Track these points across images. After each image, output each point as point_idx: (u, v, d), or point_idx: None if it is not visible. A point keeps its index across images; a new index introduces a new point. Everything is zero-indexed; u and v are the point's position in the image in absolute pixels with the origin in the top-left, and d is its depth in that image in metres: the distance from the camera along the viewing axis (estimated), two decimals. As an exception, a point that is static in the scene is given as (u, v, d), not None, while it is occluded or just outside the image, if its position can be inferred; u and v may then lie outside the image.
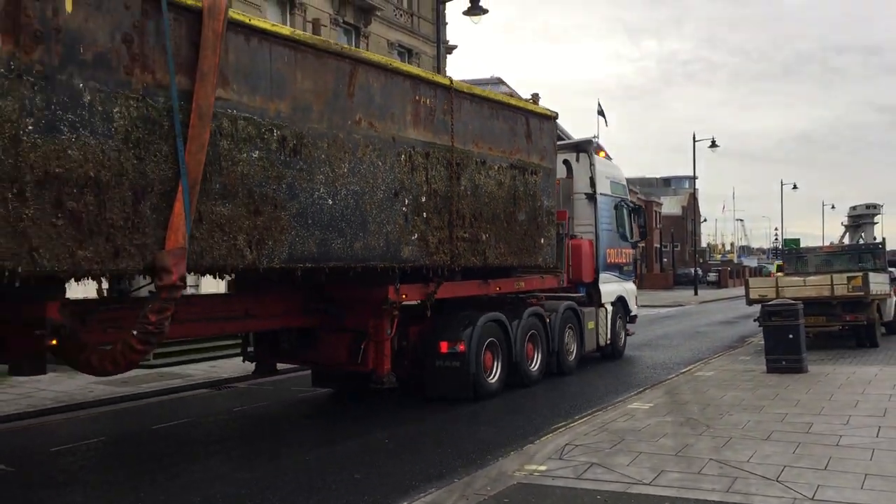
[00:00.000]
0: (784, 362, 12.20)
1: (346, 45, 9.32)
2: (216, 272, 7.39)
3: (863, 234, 27.55)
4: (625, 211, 16.88)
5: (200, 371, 14.20)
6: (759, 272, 71.35)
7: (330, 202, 8.32)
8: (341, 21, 26.18)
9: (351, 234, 8.58)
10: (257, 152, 7.52)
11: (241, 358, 11.34)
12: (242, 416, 10.84)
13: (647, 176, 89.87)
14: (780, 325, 12.21)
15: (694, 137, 51.46)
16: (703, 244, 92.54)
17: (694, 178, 69.91)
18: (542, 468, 6.82)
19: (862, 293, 14.74)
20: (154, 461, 8.11)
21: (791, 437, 7.81)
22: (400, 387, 10.69)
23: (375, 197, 8.93)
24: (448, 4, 31.22)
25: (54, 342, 6.60)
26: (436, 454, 8.15)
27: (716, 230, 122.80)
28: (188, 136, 6.73)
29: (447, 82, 10.25)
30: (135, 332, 6.72)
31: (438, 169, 9.94)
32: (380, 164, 9.01)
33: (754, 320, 15.36)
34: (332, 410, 11.29)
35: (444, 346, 11.03)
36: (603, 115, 44.37)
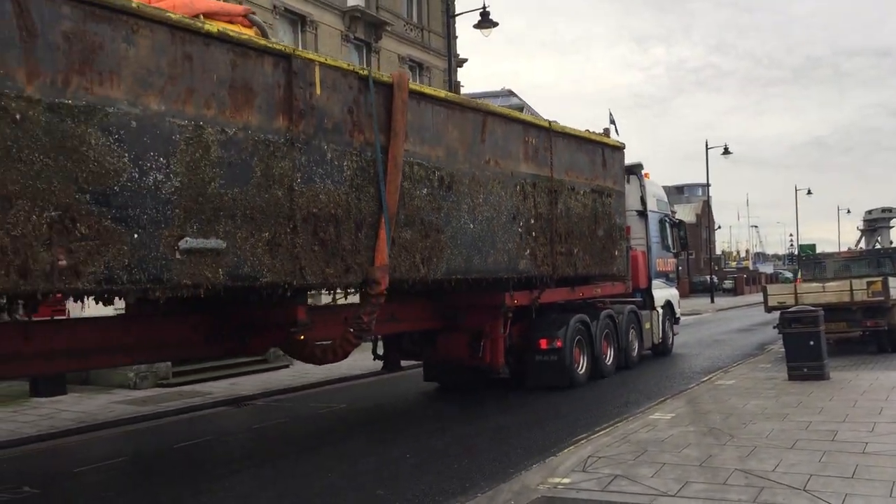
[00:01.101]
0: (806, 369, 12.13)
1: (479, 101, 11.41)
2: (403, 283, 9.49)
3: (879, 239, 27.36)
4: (667, 225, 19.11)
5: (220, 388, 14.17)
6: (775, 279, 73.04)
7: (471, 226, 10.47)
8: (352, 37, 26.90)
9: (485, 252, 10.72)
10: (425, 189, 9.68)
11: (372, 357, 13.48)
12: (263, 433, 10.95)
13: (660, 184, 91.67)
14: (800, 331, 12.16)
15: (707, 145, 52.34)
16: (718, 251, 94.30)
17: (707, 185, 71.61)
18: (566, 481, 6.81)
19: (882, 298, 14.57)
20: (177, 480, 8.22)
21: (816, 445, 7.77)
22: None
23: (500, 221, 11.08)
24: (458, 18, 31.70)
25: (302, 337, 8.76)
26: (497, 450, 8.83)
27: (730, 237, 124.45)
28: (387, 180, 8.89)
29: (546, 125, 12.41)
30: (351, 329, 8.88)
31: (542, 196, 12.09)
32: (503, 194, 11.17)
33: (774, 327, 15.22)
34: (351, 424, 11.44)
35: (543, 343, 13.18)
36: (614, 125, 45.91)
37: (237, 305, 8.75)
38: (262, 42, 7.71)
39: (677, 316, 19.36)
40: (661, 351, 18.01)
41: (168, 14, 6.77)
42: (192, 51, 6.92)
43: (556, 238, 12.35)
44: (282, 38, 23.29)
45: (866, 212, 28.88)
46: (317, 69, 8.13)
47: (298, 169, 7.88)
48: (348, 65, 8.79)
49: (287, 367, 16.84)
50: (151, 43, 6.57)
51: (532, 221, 11.82)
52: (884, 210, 28.35)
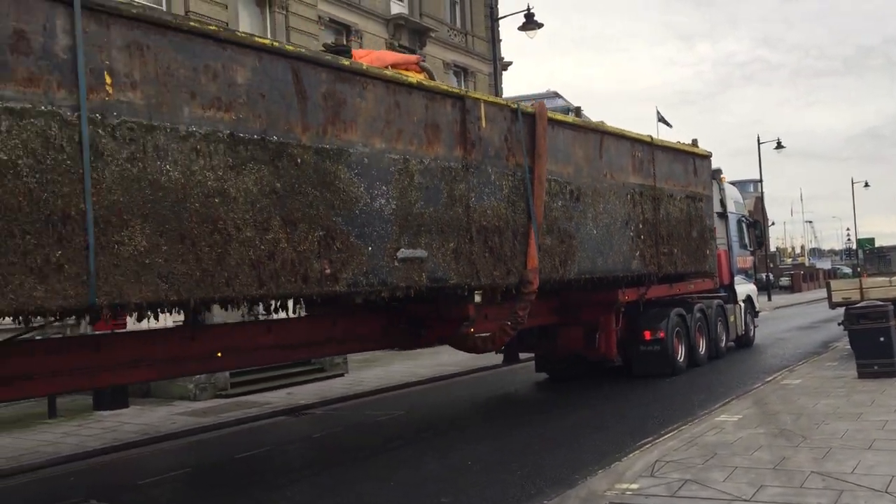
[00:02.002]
0: (876, 367, 11.75)
1: (596, 123, 13.00)
2: (546, 284, 11.09)
3: None
4: (744, 225, 20.44)
5: (277, 398, 14.18)
6: (833, 275, 72.75)
7: (595, 232, 12.05)
8: (396, 45, 26.78)
9: (606, 254, 12.28)
10: (560, 202, 11.29)
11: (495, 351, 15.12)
12: (322, 442, 10.91)
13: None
14: (869, 328, 11.83)
15: (758, 139, 51.82)
16: (773, 248, 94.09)
17: (760, 181, 71.72)
18: (634, 486, 6.64)
19: None
20: (239, 492, 8.20)
21: (895, 445, 7.56)
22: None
23: (616, 227, 12.63)
24: (500, 21, 31.55)
25: (472, 330, 10.44)
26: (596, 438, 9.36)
27: (784, 233, 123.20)
28: (534, 196, 10.52)
29: (649, 139, 13.94)
30: (508, 323, 10.53)
31: (647, 203, 13.61)
32: (617, 203, 12.72)
33: (839, 324, 14.82)
34: (413, 431, 11.27)
35: (647, 335, 14.67)
36: (665, 121, 45.24)
37: (412, 304, 10.44)
38: (445, 87, 9.43)
39: (757, 310, 20.70)
40: (744, 342, 19.34)
41: (384, 72, 8.52)
42: (400, 99, 8.65)
43: (659, 240, 13.86)
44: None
45: None
46: (482, 106, 9.82)
47: (472, 189, 9.55)
48: (504, 100, 10.46)
49: (342, 375, 16.76)
50: (375, 95, 8.31)
51: (640, 226, 13.34)
52: None
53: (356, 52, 9.66)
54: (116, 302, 5.88)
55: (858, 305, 12.60)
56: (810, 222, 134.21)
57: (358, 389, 15.01)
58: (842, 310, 13.68)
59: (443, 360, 18.59)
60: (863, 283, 14.94)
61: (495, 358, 16.71)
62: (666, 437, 8.89)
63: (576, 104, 15.59)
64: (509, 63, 33.44)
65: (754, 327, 20.33)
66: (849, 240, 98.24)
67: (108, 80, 5.91)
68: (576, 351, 14.32)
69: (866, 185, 73.57)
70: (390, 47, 26.47)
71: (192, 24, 6.72)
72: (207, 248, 6.53)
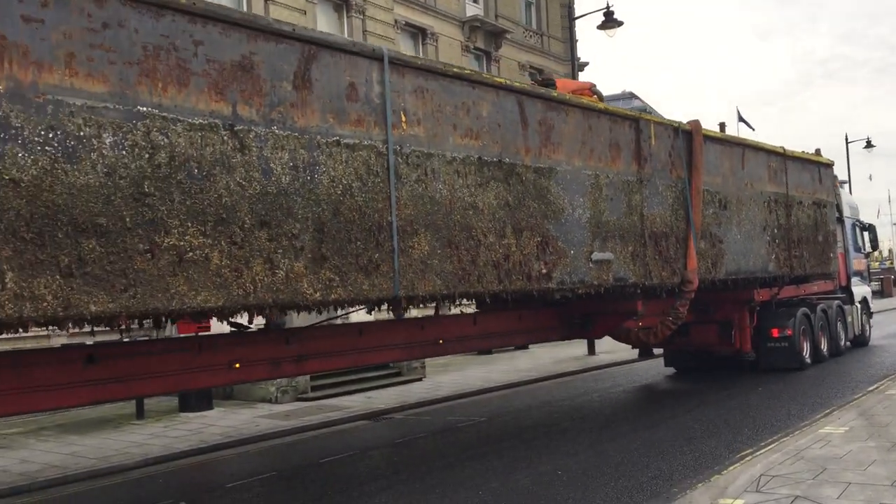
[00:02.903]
0: None
1: (739, 137, 14.16)
2: (701, 283, 12.29)
3: None
4: (858, 229, 21.16)
5: (357, 402, 14.15)
6: (925, 277, 70.87)
7: (738, 237, 13.20)
8: (472, 47, 27.21)
9: (747, 257, 13.42)
10: (711, 209, 12.49)
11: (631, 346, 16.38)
12: (406, 447, 10.82)
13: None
14: None
15: (846, 138, 50.97)
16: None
17: (848, 182, 70.62)
18: (740, 502, 6.37)
19: None
20: (325, 497, 8.19)
21: None
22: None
23: (755, 232, 13.75)
24: (577, 21, 30.88)
25: (640, 323, 11.75)
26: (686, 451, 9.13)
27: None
28: (693, 204, 11.76)
29: (781, 150, 14.99)
30: (669, 318, 11.80)
31: (781, 210, 14.67)
32: (756, 210, 13.84)
33: None
34: (496, 438, 10.96)
35: (775, 332, 15.71)
36: (746, 122, 44.50)
37: (583, 301, 11.80)
38: (623, 110, 10.77)
39: (871, 311, 21.40)
40: (861, 342, 20.10)
41: (581, 100, 9.94)
42: (592, 123, 10.04)
43: (791, 244, 14.90)
44: (403, 51, 24.71)
45: None
46: (652, 126, 11.13)
47: (645, 200, 10.87)
48: (668, 120, 11.74)
49: (420, 380, 16.76)
50: (574, 120, 9.72)
51: (775, 231, 14.42)
52: None
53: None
54: (410, 294, 7.41)
55: None
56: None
57: (437, 395, 14.81)
58: None
59: (520, 365, 19.13)
60: None
61: (576, 363, 17.91)
62: (765, 449, 8.61)
63: (654, 104, 16.35)
64: (585, 63, 33.09)
65: (870, 328, 21.05)
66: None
67: (403, 118, 7.46)
68: (708, 346, 15.47)
69: None
70: (465, 50, 27.13)
71: (454, 69, 8.24)
72: (465, 251, 8.03)
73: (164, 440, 11.46)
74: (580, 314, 12.15)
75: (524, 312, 11.38)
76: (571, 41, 27.16)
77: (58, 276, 5.05)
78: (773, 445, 8.77)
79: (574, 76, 29.79)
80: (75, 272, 5.12)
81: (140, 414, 13.33)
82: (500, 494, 7.72)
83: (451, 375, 17.84)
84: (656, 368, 17.73)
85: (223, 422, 12.72)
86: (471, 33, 27.48)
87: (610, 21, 21.67)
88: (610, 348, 20.00)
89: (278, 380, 13.87)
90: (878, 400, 11.24)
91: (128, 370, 6.87)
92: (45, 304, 4.98)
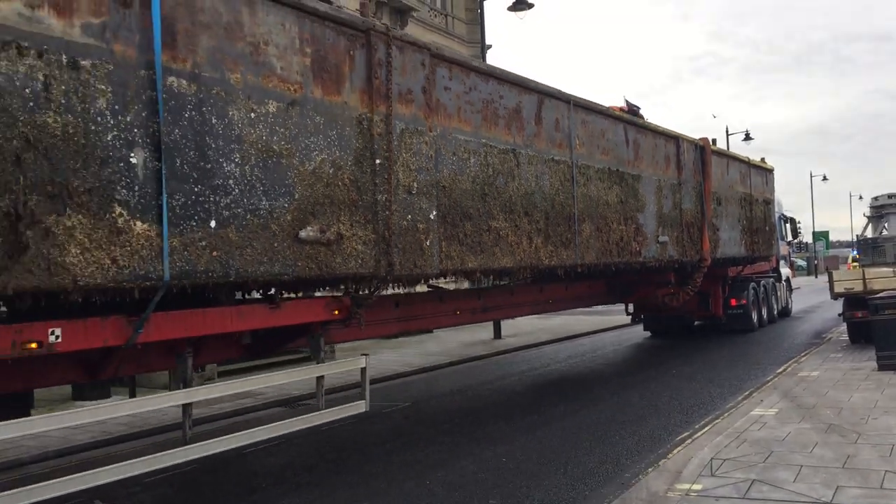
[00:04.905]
0: None
1: (731, 152, 18.25)
2: (723, 264, 16.21)
3: (886, 225, 26.63)
4: (783, 221, 26.06)
5: (270, 389, 12.49)
6: (792, 266, 78.80)
7: (727, 226, 17.30)
8: (378, 23, 27.74)
9: (731, 243, 17.53)
10: (713, 206, 16.51)
11: (626, 313, 20.27)
12: (334, 434, 9.84)
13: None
14: (891, 318, 11.79)
15: (727, 131, 56.05)
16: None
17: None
18: (698, 487, 6.39)
19: None
20: (259, 491, 7.44)
21: None
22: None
23: (735, 223, 17.90)
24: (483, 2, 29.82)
25: (671, 291, 15.59)
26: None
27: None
28: (706, 201, 15.70)
29: (747, 160, 19.26)
30: (689, 286, 15.75)
31: (747, 206, 18.91)
32: (735, 206, 18.00)
33: (839, 314, 16.10)
34: (429, 423, 10.51)
35: (734, 302, 20.06)
36: (639, 110, 48.23)
37: (624, 275, 15.50)
38: (671, 131, 14.55)
39: (792, 288, 26.44)
40: (785, 313, 25.00)
41: (655, 125, 13.65)
42: (657, 141, 13.77)
43: (752, 233, 19.24)
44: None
45: (873, 198, 28.54)
46: (685, 143, 14.98)
47: (682, 198, 14.72)
48: (691, 138, 15.63)
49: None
50: (649, 140, 13.40)
51: (744, 223, 18.70)
52: (890, 196, 27.11)
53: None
54: (582, 262, 10.87)
55: (882, 295, 12.52)
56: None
57: (355, 378, 11.77)
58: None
59: (430, 349, 19.08)
60: (865, 274, 15.02)
61: (485, 347, 21.78)
62: (703, 432, 8.69)
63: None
64: (489, 46, 31.64)
65: (792, 301, 26.06)
66: (800, 234, 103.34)
67: (578, 142, 10.90)
68: (690, 312, 19.61)
69: (825, 178, 75.89)
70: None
71: (603, 106, 11.75)
72: (605, 233, 11.55)
73: (64, 431, 9.84)
74: (623, 284, 15.90)
75: (591, 283, 15.02)
76: (481, 23, 26.25)
77: (457, 245, 8.25)
78: (707, 428, 8.89)
79: (483, 59, 29.77)
80: (463, 242, 8.33)
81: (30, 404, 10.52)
82: (449, 484, 7.37)
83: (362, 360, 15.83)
84: (566, 351, 18.71)
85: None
86: (377, 10, 25.75)
87: (520, 3, 20.91)
88: (514, 332, 21.44)
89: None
90: (795, 381, 11.60)
91: (413, 312, 10.04)
92: (452, 261, 8.18)
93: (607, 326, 23.39)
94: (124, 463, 5.79)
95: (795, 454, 7.22)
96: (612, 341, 20.38)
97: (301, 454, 8.99)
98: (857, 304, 14.54)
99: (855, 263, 26.43)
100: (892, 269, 15.02)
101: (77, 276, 4.71)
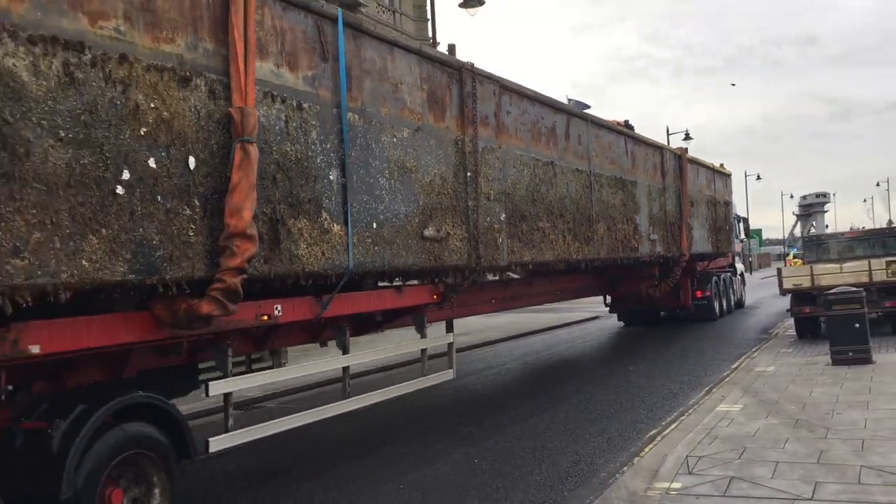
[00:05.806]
0: (851, 353, 11.81)
1: (707, 161, 20.38)
2: (693, 259, 18.28)
3: (814, 224, 28.90)
4: (736, 220, 28.53)
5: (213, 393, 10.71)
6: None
7: (698, 225, 19.44)
8: None
9: (702, 241, 19.69)
10: (688, 207, 18.60)
11: (604, 304, 22.26)
12: (298, 439, 9.09)
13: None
14: (844, 314, 11.82)
15: (668, 130, 58.65)
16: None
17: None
18: (677, 486, 6.35)
19: None
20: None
21: None
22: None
23: (703, 222, 20.07)
24: None
25: (654, 284, 17.58)
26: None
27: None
28: (683, 203, 17.75)
29: (712, 166, 21.49)
30: (669, 279, 17.79)
31: (712, 207, 21.12)
32: (704, 208, 20.17)
33: (787, 310, 16.59)
34: (394, 426, 10.16)
35: (699, 293, 22.26)
36: (588, 107, 49.45)
37: (613, 269, 17.42)
38: (657, 142, 16.56)
39: (745, 282, 28.95)
40: (740, 304, 27.43)
41: (651, 139, 15.58)
42: (647, 151, 15.73)
43: (716, 231, 21.48)
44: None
45: (801, 197, 30.85)
46: (667, 152, 17.01)
47: (666, 201, 16.74)
48: (672, 148, 17.66)
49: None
50: (642, 150, 15.36)
51: (710, 222, 20.91)
52: (818, 195, 29.44)
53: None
54: (597, 257, 12.71)
55: (835, 291, 12.47)
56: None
57: (309, 381, 12.68)
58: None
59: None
60: (813, 270, 15.30)
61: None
62: (671, 429, 8.74)
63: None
64: (437, 43, 32.15)
65: (745, 294, 28.54)
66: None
67: (594, 154, 12.76)
68: (661, 303, 21.70)
69: (759, 178, 79.59)
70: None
71: (613, 123, 13.62)
72: (613, 232, 13.43)
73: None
74: (610, 277, 17.86)
75: (588, 276, 16.92)
76: (433, 20, 25.26)
77: (517, 241, 10.00)
78: (675, 425, 8.91)
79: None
80: (521, 239, 10.08)
81: None
82: (424, 486, 7.36)
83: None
84: (520, 349, 18.80)
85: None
86: (326, 2, 28.39)
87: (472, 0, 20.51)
88: (465, 331, 19.90)
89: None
90: (753, 377, 11.65)
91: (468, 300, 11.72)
92: (514, 255, 9.92)
93: (558, 324, 24.40)
94: (313, 409, 7.58)
95: (769, 450, 7.27)
96: (566, 339, 20.96)
97: (265, 459, 8.66)
98: (805, 300, 15.29)
99: (797, 260, 28.84)
100: (838, 266, 15.52)
101: (305, 265, 6.30)
